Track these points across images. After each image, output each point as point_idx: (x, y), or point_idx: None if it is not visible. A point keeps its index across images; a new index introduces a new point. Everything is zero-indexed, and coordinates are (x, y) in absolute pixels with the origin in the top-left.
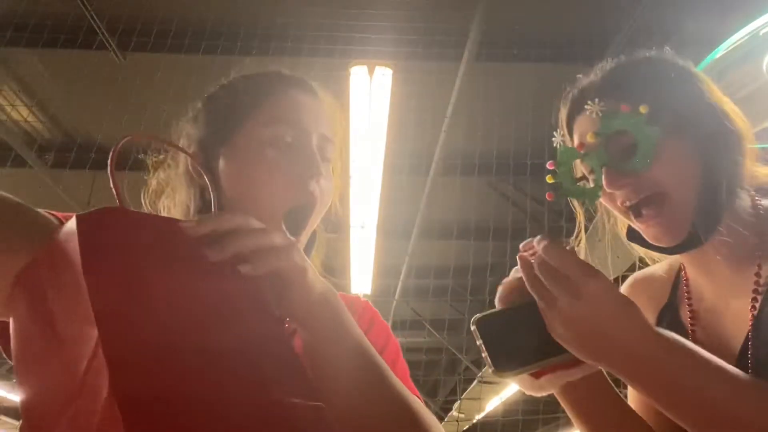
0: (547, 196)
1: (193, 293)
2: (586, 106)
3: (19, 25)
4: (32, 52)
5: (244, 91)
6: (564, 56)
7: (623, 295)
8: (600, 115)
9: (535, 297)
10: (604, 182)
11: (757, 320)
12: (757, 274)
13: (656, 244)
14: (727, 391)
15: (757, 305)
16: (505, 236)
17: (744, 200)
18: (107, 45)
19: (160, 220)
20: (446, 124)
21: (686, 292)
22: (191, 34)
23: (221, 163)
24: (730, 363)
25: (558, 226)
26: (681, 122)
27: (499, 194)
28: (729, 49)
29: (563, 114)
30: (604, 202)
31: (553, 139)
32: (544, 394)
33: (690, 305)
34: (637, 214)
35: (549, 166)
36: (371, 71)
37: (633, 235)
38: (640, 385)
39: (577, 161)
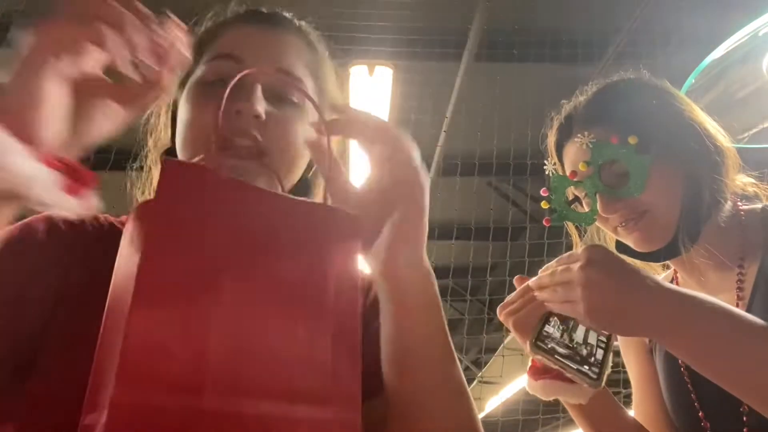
0: (544, 222)
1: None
2: (576, 138)
3: (19, 25)
4: None
5: (204, 32)
6: (564, 56)
7: (625, 269)
8: (590, 146)
9: (561, 301)
10: (599, 207)
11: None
12: (740, 272)
13: (638, 250)
14: (745, 329)
15: (744, 297)
16: (505, 236)
17: (727, 208)
18: None
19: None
20: (446, 124)
21: None
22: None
23: (180, 106)
24: None
25: (558, 227)
26: (667, 146)
27: (499, 194)
28: (729, 49)
29: (551, 141)
30: (598, 224)
31: (545, 167)
32: (547, 398)
33: None
34: (624, 226)
35: (543, 192)
36: (371, 71)
37: (622, 247)
38: (669, 336)
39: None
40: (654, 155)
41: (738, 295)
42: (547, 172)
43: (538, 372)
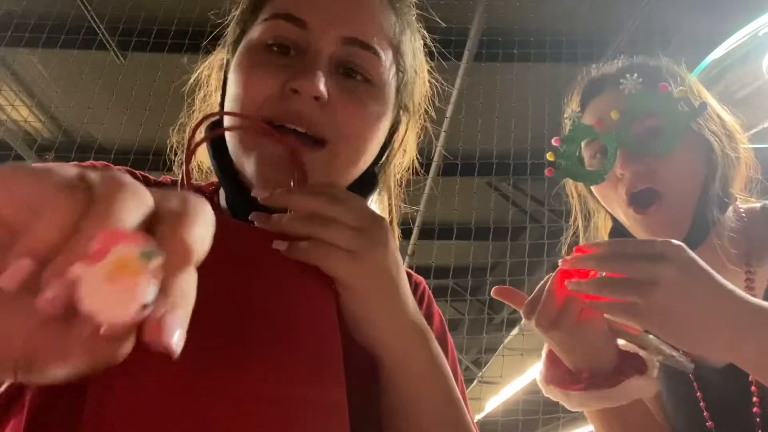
0: (546, 172)
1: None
2: (622, 80)
3: (19, 25)
4: (32, 52)
5: None
6: (564, 56)
7: (704, 271)
8: (634, 92)
9: (619, 314)
10: (617, 163)
11: None
12: (748, 272)
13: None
14: None
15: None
16: (505, 236)
17: (729, 208)
18: (107, 45)
19: (231, 222)
20: (446, 124)
21: None
22: (191, 34)
23: (231, 71)
24: None
25: (558, 227)
26: (700, 125)
27: (499, 194)
28: (729, 49)
29: (577, 94)
30: (600, 189)
31: (565, 117)
32: (628, 401)
33: None
34: (639, 207)
35: (554, 142)
36: None
37: (617, 236)
38: (742, 360)
39: (583, 143)
40: (691, 122)
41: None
42: (565, 117)
43: (593, 381)
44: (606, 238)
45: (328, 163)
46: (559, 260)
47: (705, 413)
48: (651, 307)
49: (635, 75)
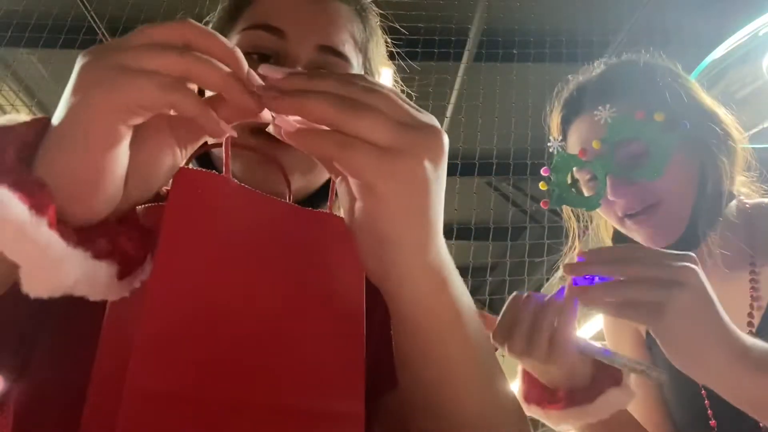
0: (542, 204)
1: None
2: (596, 111)
3: (19, 25)
4: (32, 52)
5: None
6: (564, 56)
7: (714, 307)
8: (610, 121)
9: (640, 317)
10: (608, 191)
11: (763, 321)
12: (753, 272)
13: (647, 245)
14: None
15: (759, 298)
16: (505, 236)
17: (732, 204)
18: None
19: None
20: (446, 124)
21: None
22: None
23: None
24: None
25: (558, 227)
26: (690, 131)
27: (499, 194)
28: (729, 49)
29: (556, 117)
30: (600, 212)
31: (549, 144)
32: (610, 413)
33: None
34: (632, 217)
35: (543, 172)
36: None
37: (620, 239)
38: (733, 398)
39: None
40: (678, 138)
41: (752, 296)
42: (550, 149)
43: (571, 398)
44: (608, 238)
45: (305, 162)
46: (560, 264)
47: (709, 411)
48: (676, 306)
49: (608, 105)
